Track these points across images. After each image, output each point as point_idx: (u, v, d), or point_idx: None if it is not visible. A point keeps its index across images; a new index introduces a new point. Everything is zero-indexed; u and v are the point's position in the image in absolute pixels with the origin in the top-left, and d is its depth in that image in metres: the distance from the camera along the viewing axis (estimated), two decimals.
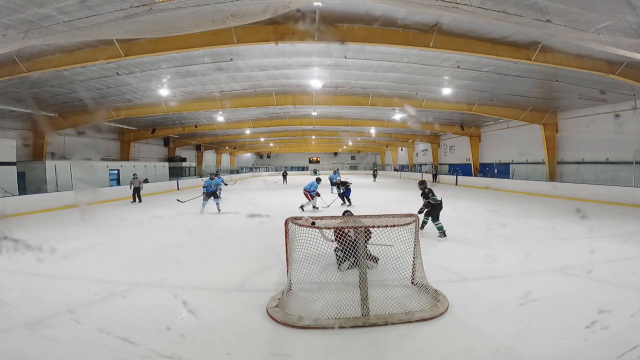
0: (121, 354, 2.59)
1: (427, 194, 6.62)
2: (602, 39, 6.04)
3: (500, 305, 3.32)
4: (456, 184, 21.60)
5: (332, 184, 15.07)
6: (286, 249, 3.81)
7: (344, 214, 5.04)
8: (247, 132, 24.74)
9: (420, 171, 30.32)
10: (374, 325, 2.99)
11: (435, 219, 6.54)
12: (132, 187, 13.43)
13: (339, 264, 4.39)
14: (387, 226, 3.52)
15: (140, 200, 13.57)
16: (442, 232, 6.39)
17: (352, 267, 4.26)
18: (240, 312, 3.33)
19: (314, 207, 11.06)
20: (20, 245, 5.78)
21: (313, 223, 3.53)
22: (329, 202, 11.83)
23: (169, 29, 6.30)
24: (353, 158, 50.41)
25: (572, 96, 12.67)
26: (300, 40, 7.92)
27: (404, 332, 2.88)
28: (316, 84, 11.95)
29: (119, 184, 17.09)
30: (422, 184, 6.92)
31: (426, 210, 6.63)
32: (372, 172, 32.52)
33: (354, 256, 3.43)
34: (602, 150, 13.45)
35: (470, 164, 22.67)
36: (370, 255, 4.25)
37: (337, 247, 4.33)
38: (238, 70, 10.74)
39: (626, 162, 12.16)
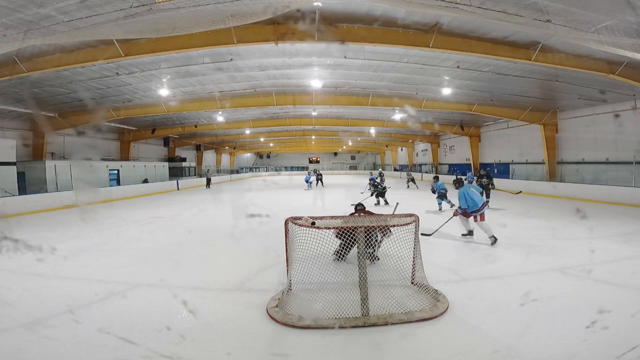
0: (121, 354, 2.59)
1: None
2: (602, 39, 6.04)
3: (500, 305, 3.32)
4: None
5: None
6: (286, 249, 3.81)
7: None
8: (247, 132, 24.71)
9: (420, 171, 30.30)
10: (374, 325, 2.99)
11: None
12: None
13: (337, 257, 4.49)
14: (386, 226, 3.53)
15: None
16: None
17: (339, 260, 4.41)
18: (240, 312, 3.32)
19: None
20: (20, 245, 5.78)
21: (313, 223, 3.53)
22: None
23: (169, 29, 6.31)
24: (353, 158, 50.40)
25: (572, 96, 12.66)
26: (300, 40, 7.92)
27: (404, 332, 2.88)
28: (316, 84, 11.93)
29: (119, 184, 17.09)
30: (482, 177, 6.27)
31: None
32: (407, 175, 20.43)
33: (350, 247, 3.45)
34: (602, 150, 13.43)
35: (470, 164, 22.65)
36: (371, 254, 4.25)
37: (341, 243, 4.37)
38: (238, 70, 10.73)
39: (626, 162, 12.14)
